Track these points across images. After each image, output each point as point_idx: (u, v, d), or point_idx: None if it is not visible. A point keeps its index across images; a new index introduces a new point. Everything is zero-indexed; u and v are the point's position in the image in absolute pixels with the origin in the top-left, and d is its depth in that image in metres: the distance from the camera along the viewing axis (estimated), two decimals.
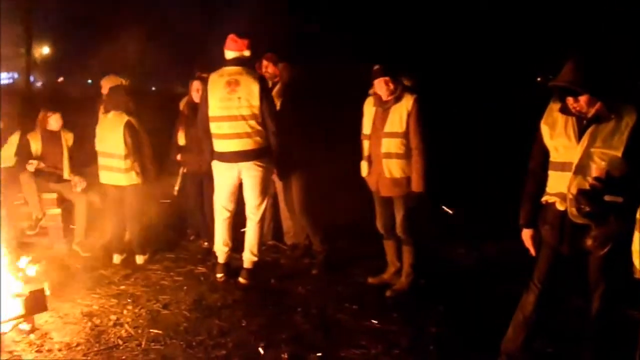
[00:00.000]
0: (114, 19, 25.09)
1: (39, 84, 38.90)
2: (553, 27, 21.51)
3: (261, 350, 6.29)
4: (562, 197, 5.00)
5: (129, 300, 7.71)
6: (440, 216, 9.62)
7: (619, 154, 4.74)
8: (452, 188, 10.71)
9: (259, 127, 7.94)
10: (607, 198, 4.57)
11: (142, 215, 9.10)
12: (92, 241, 9.62)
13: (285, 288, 8.03)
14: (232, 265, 8.45)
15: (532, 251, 5.47)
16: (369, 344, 6.39)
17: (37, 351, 6.33)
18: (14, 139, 9.83)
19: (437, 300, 7.42)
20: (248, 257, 8.29)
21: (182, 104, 9.78)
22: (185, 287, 8.12)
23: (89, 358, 6.21)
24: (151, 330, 6.81)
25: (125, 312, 7.34)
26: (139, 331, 6.80)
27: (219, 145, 8.07)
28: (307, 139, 8.38)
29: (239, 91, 7.85)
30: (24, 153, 9.54)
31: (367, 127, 7.71)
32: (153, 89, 25.81)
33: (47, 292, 7.09)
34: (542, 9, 21.57)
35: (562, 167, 5.00)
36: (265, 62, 8.98)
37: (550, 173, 5.16)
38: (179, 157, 9.60)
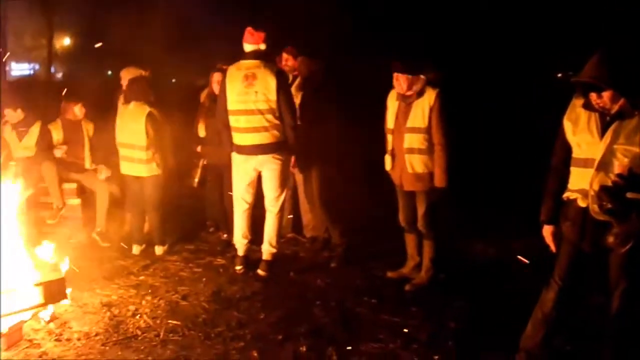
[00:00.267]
0: (135, 11, 25.14)
1: (59, 75, 39.03)
2: (572, 23, 21.42)
3: (279, 343, 6.30)
4: (584, 193, 4.97)
5: (148, 290, 7.75)
6: (459, 211, 9.59)
7: None
8: (472, 184, 10.70)
9: (276, 121, 7.95)
10: (629, 195, 4.54)
11: (161, 206, 9.11)
12: (111, 231, 9.66)
13: (304, 281, 8.03)
14: (251, 258, 8.46)
15: (553, 248, 5.44)
16: (388, 338, 6.37)
17: (56, 340, 6.37)
18: (34, 129, 9.88)
19: (456, 296, 7.39)
20: (267, 249, 8.30)
21: (202, 96, 9.78)
22: (204, 279, 8.15)
23: (107, 348, 6.24)
24: (170, 321, 6.83)
25: (144, 302, 7.37)
26: (158, 322, 6.82)
27: (238, 139, 8.08)
28: (327, 131, 8.38)
29: (256, 85, 7.85)
30: (45, 143, 9.58)
31: (390, 121, 7.68)
32: (173, 80, 25.82)
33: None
34: (561, 4, 21.48)
35: (585, 163, 4.96)
36: (285, 56, 9.00)
37: (573, 169, 5.12)
38: (199, 148, 9.61)
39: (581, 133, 4.99)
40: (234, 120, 8.02)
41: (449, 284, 7.74)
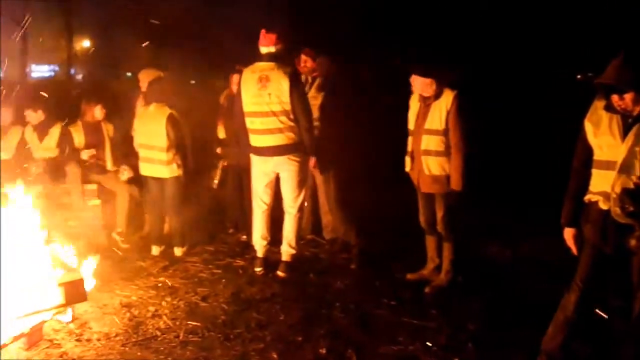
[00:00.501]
0: (155, 13, 25.20)
1: (79, 76, 39.16)
2: (591, 25, 21.35)
3: (299, 345, 6.30)
4: (606, 196, 4.94)
5: (167, 292, 7.76)
6: (479, 213, 9.57)
7: None
8: (490, 185, 10.67)
9: (291, 123, 7.97)
10: None
11: (181, 208, 9.12)
12: (131, 233, 9.70)
13: (323, 282, 8.03)
14: (271, 259, 8.47)
15: (574, 250, 5.41)
16: (407, 341, 6.37)
17: (76, 340, 6.40)
18: (54, 130, 9.93)
19: (475, 298, 7.37)
20: (286, 250, 8.32)
21: (222, 98, 9.79)
22: (223, 280, 8.14)
23: (127, 348, 6.25)
24: (189, 322, 6.84)
25: (163, 303, 7.39)
26: (177, 323, 6.83)
27: (254, 140, 8.12)
28: (348, 132, 8.38)
29: (269, 87, 7.88)
30: (66, 144, 9.61)
31: (411, 122, 7.68)
32: (192, 82, 25.87)
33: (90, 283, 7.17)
34: (581, 7, 21.41)
35: (606, 165, 4.94)
36: (304, 57, 8.99)
37: (594, 171, 5.10)
38: (218, 150, 9.63)
39: (603, 135, 4.96)
40: (249, 122, 8.07)
41: (469, 286, 7.71)
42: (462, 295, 7.47)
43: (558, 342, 5.49)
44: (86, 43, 41.55)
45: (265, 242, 8.42)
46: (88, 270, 7.23)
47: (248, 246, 8.92)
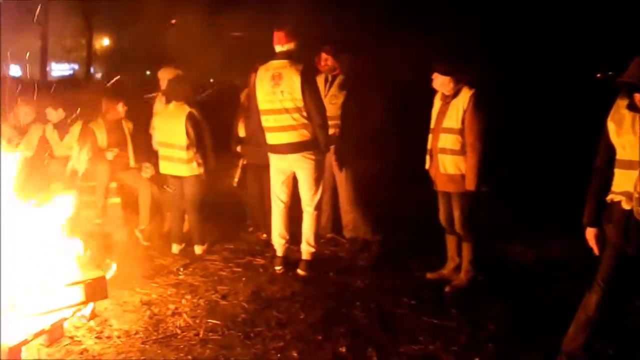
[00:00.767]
0: (175, 11, 25.26)
1: (98, 75, 39.38)
2: (612, 22, 21.24)
3: (319, 343, 6.30)
4: (628, 195, 4.91)
5: (187, 290, 7.77)
6: (499, 213, 9.55)
7: None
8: (512, 185, 10.65)
9: (304, 120, 7.98)
10: None
11: (201, 206, 9.13)
12: (151, 231, 9.73)
13: (343, 281, 8.01)
14: (291, 258, 8.48)
15: (596, 250, 5.38)
16: (427, 340, 6.34)
17: (96, 337, 6.41)
18: (75, 129, 9.97)
19: (496, 298, 7.34)
20: (306, 249, 8.33)
21: (242, 96, 9.80)
22: (243, 278, 8.15)
23: (147, 346, 6.27)
24: (209, 320, 6.84)
25: (183, 301, 7.39)
26: (197, 321, 6.84)
27: (269, 138, 8.17)
28: (370, 129, 8.39)
29: (281, 84, 7.91)
30: (92, 144, 9.65)
31: (432, 121, 7.68)
32: (211, 80, 25.89)
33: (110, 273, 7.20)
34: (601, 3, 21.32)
35: (629, 165, 4.91)
36: (324, 55, 9.02)
37: (616, 171, 5.07)
38: (238, 148, 9.63)
39: (625, 134, 4.93)
40: (264, 120, 8.12)
41: (489, 286, 7.68)
42: (482, 295, 7.44)
43: (579, 342, 5.46)
44: (106, 42, 41.78)
45: (283, 241, 8.42)
46: (109, 268, 7.25)
47: (268, 244, 8.90)
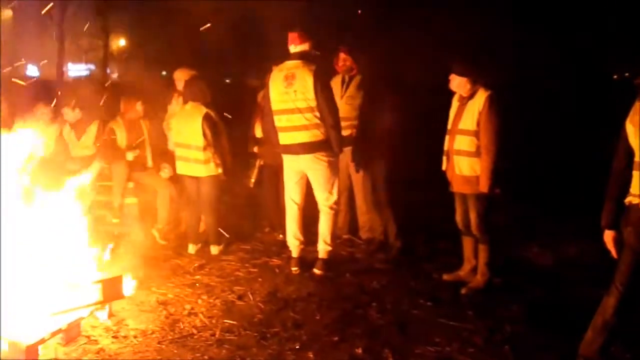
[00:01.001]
0: (189, 12, 25.35)
1: (114, 75, 39.53)
2: (628, 24, 21.17)
3: (335, 344, 6.29)
4: None
5: (203, 290, 7.77)
6: (516, 215, 9.52)
7: None
8: (529, 187, 10.62)
9: (317, 120, 7.99)
10: None
11: (218, 206, 9.14)
12: (168, 230, 9.74)
13: (360, 282, 7.99)
14: (307, 259, 8.49)
15: (614, 253, 5.35)
16: (444, 342, 6.33)
17: (113, 337, 6.43)
18: (92, 128, 9.99)
19: (512, 300, 7.32)
20: (322, 248, 8.34)
21: (259, 96, 9.80)
22: (260, 279, 8.15)
23: (163, 346, 6.27)
24: (225, 320, 6.84)
25: (199, 301, 7.40)
26: (213, 321, 6.84)
27: (282, 138, 8.18)
28: (387, 130, 8.41)
29: (294, 84, 7.94)
30: (110, 143, 9.69)
31: (449, 122, 7.68)
32: (227, 81, 25.98)
33: (129, 281, 7.21)
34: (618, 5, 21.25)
35: None
36: (343, 56, 9.03)
37: (635, 173, 5.04)
38: (255, 149, 9.65)
39: None
40: (277, 120, 8.15)
41: (505, 288, 7.67)
42: (499, 297, 7.43)
43: (596, 346, 5.43)
44: (122, 42, 41.94)
45: (298, 242, 8.44)
46: (126, 268, 7.26)
47: (284, 245, 8.88)
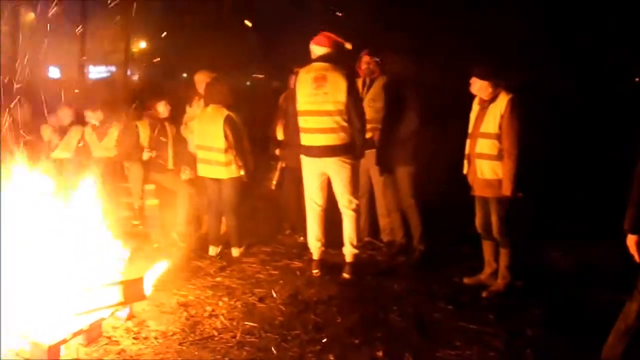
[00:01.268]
0: (211, 14, 25.42)
1: (135, 77, 39.62)
2: None
3: (356, 347, 6.29)
4: None
5: (224, 292, 7.79)
6: (537, 218, 9.49)
7: None
8: (552, 190, 10.58)
9: (344, 124, 7.97)
10: None
11: (239, 209, 9.14)
12: (188, 233, 9.75)
13: (381, 285, 7.99)
14: (328, 261, 8.50)
15: (637, 258, 5.32)
16: (464, 345, 6.33)
17: (134, 338, 6.45)
18: (113, 130, 10.03)
19: (533, 303, 7.30)
20: (349, 251, 8.32)
21: (281, 99, 9.81)
22: (281, 281, 8.15)
23: (184, 347, 6.28)
24: (246, 322, 6.85)
25: (220, 303, 7.41)
26: (234, 323, 6.85)
27: (306, 139, 8.14)
28: (411, 133, 8.45)
29: (325, 87, 7.91)
30: (131, 143, 9.72)
31: (470, 125, 7.66)
32: (248, 83, 26.00)
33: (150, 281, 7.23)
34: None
35: None
36: (366, 59, 9.01)
37: None
38: (277, 151, 9.65)
39: None
40: (303, 121, 8.11)
41: (526, 292, 7.65)
42: (520, 301, 7.41)
43: (619, 351, 5.40)
44: (142, 44, 42.04)
45: (319, 244, 8.42)
46: (147, 269, 7.27)
47: (305, 248, 8.85)
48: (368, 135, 8.53)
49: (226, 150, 8.72)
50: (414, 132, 8.50)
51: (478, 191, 7.67)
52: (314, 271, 8.35)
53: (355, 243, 8.32)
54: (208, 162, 8.92)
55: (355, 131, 8.01)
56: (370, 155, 8.71)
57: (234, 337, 6.51)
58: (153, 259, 7.59)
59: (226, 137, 8.69)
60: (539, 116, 10.45)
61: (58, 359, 5.81)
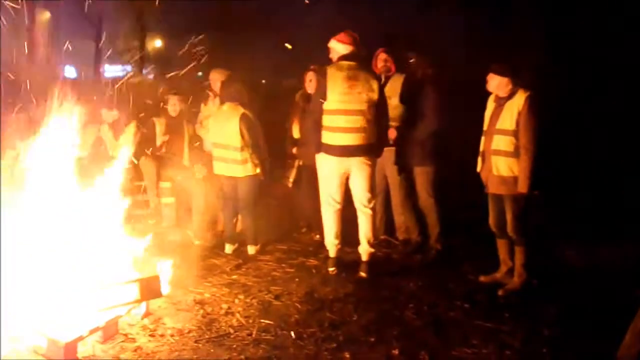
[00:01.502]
0: (225, 13, 25.45)
1: (150, 76, 39.71)
2: None
3: (372, 345, 6.28)
4: None
5: (240, 289, 7.79)
6: (554, 216, 9.46)
7: None
8: (569, 188, 10.55)
9: (372, 123, 7.98)
10: None
11: (255, 206, 9.15)
12: (204, 230, 9.76)
13: (396, 283, 7.97)
14: (344, 259, 8.49)
15: None
16: (480, 344, 6.31)
17: (150, 335, 6.45)
18: (130, 129, 10.05)
19: (550, 302, 7.28)
20: (366, 250, 8.30)
21: (297, 97, 9.81)
22: (296, 279, 8.16)
23: (200, 345, 6.28)
24: (262, 320, 6.84)
25: (236, 301, 7.41)
26: (250, 321, 6.84)
27: (331, 138, 8.09)
28: (432, 131, 8.51)
29: (358, 86, 7.91)
30: (143, 139, 9.75)
31: (485, 123, 7.64)
32: (263, 81, 26.01)
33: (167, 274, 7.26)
34: None
35: None
36: (383, 56, 9.01)
37: None
38: (294, 150, 9.66)
39: None
40: (330, 120, 8.04)
41: (543, 290, 7.64)
42: (536, 299, 7.39)
43: (635, 350, 5.39)
44: (158, 43, 42.11)
45: (337, 242, 8.40)
46: (163, 267, 7.29)
47: (321, 246, 8.86)
48: None
49: (242, 148, 8.73)
50: (433, 133, 8.51)
51: (493, 189, 7.66)
52: (330, 269, 8.34)
53: (371, 241, 8.31)
54: (224, 160, 8.94)
55: (381, 130, 8.10)
56: (386, 153, 8.67)
57: (250, 334, 6.51)
58: (169, 257, 7.60)
59: (242, 135, 8.70)
60: (556, 114, 10.42)
61: (75, 356, 5.83)
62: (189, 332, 6.56)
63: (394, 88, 8.80)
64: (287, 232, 10.12)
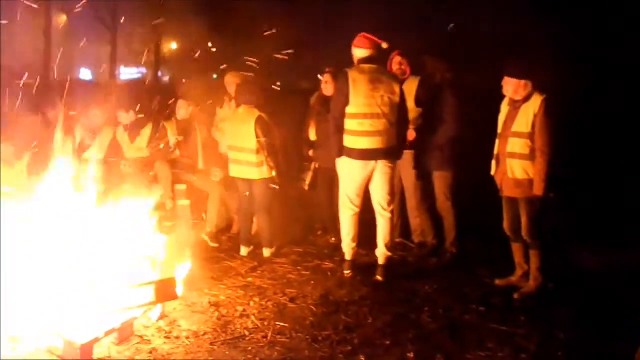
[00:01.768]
0: (238, 15, 25.52)
1: (166, 78, 39.84)
2: None
3: (387, 348, 6.28)
4: None
5: (255, 292, 7.79)
6: (569, 219, 9.44)
7: None
8: (583, 191, 10.52)
9: (394, 126, 8.01)
10: None
11: (270, 209, 9.15)
12: (219, 233, 9.79)
13: (412, 287, 7.96)
14: (360, 262, 8.48)
15: None
16: (496, 347, 6.31)
17: (165, 337, 6.47)
18: (146, 131, 10.08)
19: (566, 305, 7.28)
20: (383, 253, 8.30)
21: (313, 99, 9.80)
22: (312, 282, 8.15)
23: (215, 347, 6.30)
24: (277, 323, 6.85)
25: (251, 304, 7.41)
26: (265, 323, 6.85)
27: (354, 142, 8.06)
28: (447, 135, 8.51)
29: (381, 89, 7.92)
30: (159, 142, 9.78)
31: (499, 126, 7.64)
32: (278, 84, 26.08)
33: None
34: None
35: None
36: (399, 59, 8.99)
37: None
38: (311, 152, 9.66)
39: None
40: (355, 124, 8.00)
41: (558, 294, 7.62)
42: (552, 303, 7.38)
43: None
44: (173, 45, 42.27)
45: (354, 245, 8.39)
46: (179, 269, 7.30)
47: (337, 248, 8.87)
48: None
49: (258, 151, 8.73)
50: (452, 139, 8.51)
51: (507, 192, 7.65)
52: (346, 272, 8.34)
53: (389, 245, 8.31)
54: (240, 163, 8.94)
55: (401, 132, 8.12)
56: (404, 156, 8.66)
57: (265, 337, 6.52)
58: (184, 259, 7.61)
59: (258, 137, 8.70)
60: (571, 117, 10.39)
61: (90, 358, 5.85)
62: (204, 334, 6.57)
63: (408, 91, 8.77)
64: (303, 234, 10.11)
